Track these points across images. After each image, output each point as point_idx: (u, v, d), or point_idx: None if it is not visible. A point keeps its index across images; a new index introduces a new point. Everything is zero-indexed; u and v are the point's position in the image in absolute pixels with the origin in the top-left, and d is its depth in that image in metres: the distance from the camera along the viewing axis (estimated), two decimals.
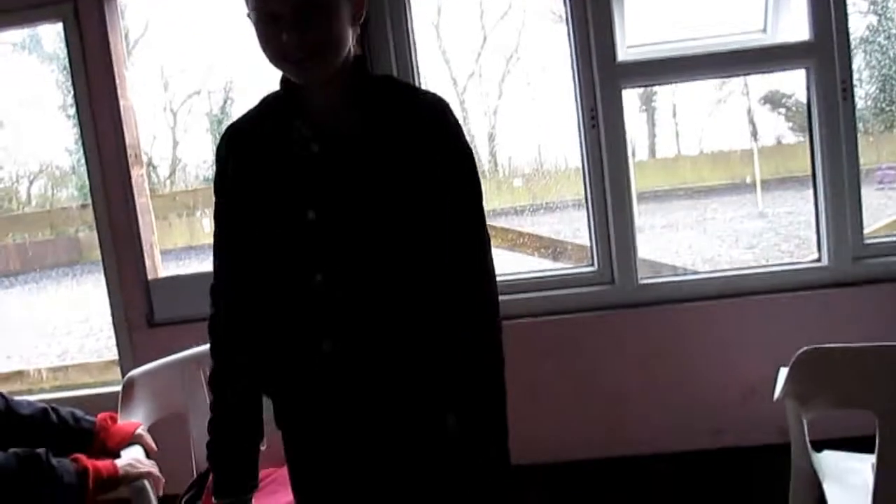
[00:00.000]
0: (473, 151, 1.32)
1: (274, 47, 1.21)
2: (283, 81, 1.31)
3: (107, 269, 2.69)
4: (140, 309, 2.64)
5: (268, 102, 1.36)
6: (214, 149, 1.37)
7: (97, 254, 2.73)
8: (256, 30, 1.22)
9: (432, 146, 1.26)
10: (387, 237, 1.25)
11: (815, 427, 1.82)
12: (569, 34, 2.49)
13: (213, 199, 1.37)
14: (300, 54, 1.20)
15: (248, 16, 1.25)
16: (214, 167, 1.38)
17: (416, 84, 2.55)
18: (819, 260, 2.53)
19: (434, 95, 1.33)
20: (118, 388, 2.70)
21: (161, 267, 2.73)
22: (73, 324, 8.69)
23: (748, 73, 2.58)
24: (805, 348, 1.81)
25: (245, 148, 1.32)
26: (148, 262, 2.65)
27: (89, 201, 2.80)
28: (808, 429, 1.82)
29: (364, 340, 1.27)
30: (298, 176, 1.27)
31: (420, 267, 1.27)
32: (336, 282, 1.26)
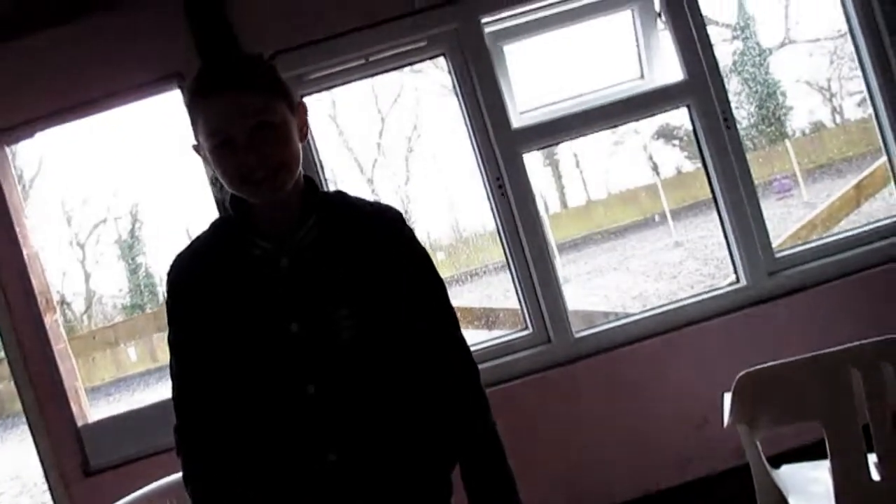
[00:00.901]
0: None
1: (232, 171, 1.23)
2: (235, 205, 1.32)
3: (31, 421, 2.55)
4: (73, 459, 2.50)
5: (217, 226, 1.37)
6: (165, 280, 1.35)
7: (18, 406, 2.60)
8: (212, 158, 1.25)
9: (395, 250, 1.33)
10: (370, 337, 1.28)
11: (769, 443, 1.85)
12: (461, 109, 2.58)
13: (168, 329, 1.34)
14: (260, 174, 1.22)
15: (197, 147, 1.29)
16: (167, 298, 1.35)
17: (322, 179, 2.57)
18: (737, 281, 2.63)
19: (387, 206, 1.41)
20: None
21: (89, 410, 2.61)
22: (4, 482, 8.19)
23: (636, 119, 2.71)
24: (742, 372, 1.86)
25: (203, 274, 1.31)
26: (75, 409, 2.53)
27: (2, 355, 2.68)
28: (763, 447, 1.85)
29: (367, 446, 1.28)
30: (271, 292, 1.27)
31: (406, 357, 1.32)
32: (329, 392, 1.26)
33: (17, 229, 2.53)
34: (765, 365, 1.80)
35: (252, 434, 1.30)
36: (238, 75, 1.23)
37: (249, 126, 1.20)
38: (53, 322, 2.58)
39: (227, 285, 1.29)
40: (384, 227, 1.34)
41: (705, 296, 2.62)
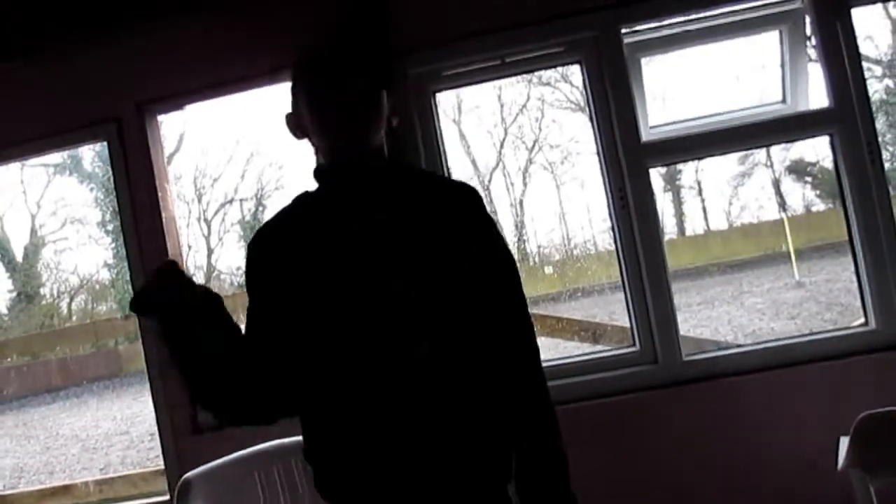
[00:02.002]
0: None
1: (338, 120, 1.33)
2: (320, 173, 1.40)
3: (151, 377, 2.72)
4: (185, 416, 2.65)
5: (301, 199, 1.43)
6: (248, 249, 1.40)
7: (136, 366, 2.76)
8: (317, 112, 1.34)
9: (474, 223, 1.39)
10: (461, 295, 1.33)
11: (885, 496, 1.75)
12: (592, 119, 2.56)
13: (248, 299, 1.39)
14: (361, 123, 1.33)
15: (291, 116, 1.41)
16: (247, 267, 1.40)
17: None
18: (866, 324, 2.49)
19: (465, 182, 1.46)
20: (164, 497, 2.70)
21: None
22: (115, 436, 8.73)
23: (772, 144, 2.62)
24: (865, 414, 1.77)
25: (288, 239, 1.37)
26: None
27: (128, 314, 2.85)
28: (878, 500, 1.75)
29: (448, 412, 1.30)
30: (369, 250, 1.32)
31: (476, 326, 1.34)
32: (437, 352, 1.29)
33: (160, 193, 2.71)
34: (891, 408, 1.71)
35: (340, 398, 1.32)
36: (348, 56, 1.36)
37: (358, 92, 1.33)
38: None
39: (320, 245, 1.34)
40: (464, 199, 1.40)
41: (830, 335, 2.49)
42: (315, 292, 1.32)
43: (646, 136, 2.54)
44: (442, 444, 1.29)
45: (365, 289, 1.30)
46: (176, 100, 2.74)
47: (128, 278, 2.78)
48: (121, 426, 9.21)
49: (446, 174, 2.62)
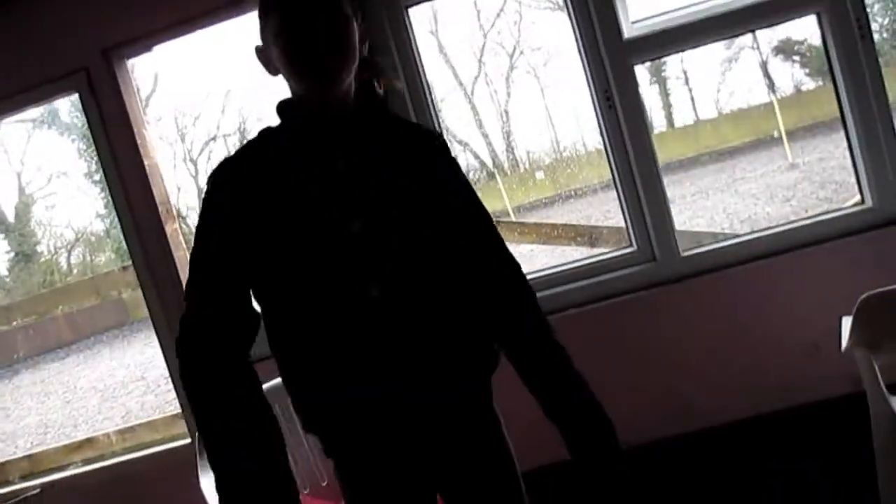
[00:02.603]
0: None
1: (306, 59, 1.27)
2: (287, 110, 1.36)
3: (157, 325, 2.74)
4: None
5: (264, 136, 1.38)
6: (211, 186, 1.31)
7: (144, 312, 2.76)
8: (284, 48, 1.28)
9: (442, 165, 1.40)
10: (422, 240, 1.32)
11: (890, 371, 1.78)
12: (571, 20, 2.48)
13: (203, 227, 1.31)
14: (333, 64, 1.27)
15: (261, 49, 1.34)
16: (208, 198, 1.32)
17: (429, 96, 2.55)
18: (862, 202, 2.48)
19: (428, 128, 1.48)
20: (186, 441, 2.76)
21: None
22: (131, 383, 8.88)
23: (758, 28, 2.53)
24: (867, 294, 1.77)
25: (254, 176, 1.31)
26: None
27: (129, 263, 2.84)
28: (883, 375, 1.77)
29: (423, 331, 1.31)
30: (329, 191, 1.29)
31: (454, 256, 1.36)
32: (392, 291, 1.28)
33: (139, 140, 2.65)
34: (892, 287, 1.71)
35: (302, 334, 1.31)
36: None
37: (330, 21, 1.26)
38: (174, 230, 2.72)
39: (282, 185, 1.29)
40: (431, 138, 1.41)
41: (826, 216, 2.48)
42: (278, 231, 1.28)
43: (628, 32, 2.47)
44: (409, 367, 1.30)
45: (325, 228, 1.28)
46: (143, 42, 2.65)
47: (120, 229, 2.76)
48: (135, 373, 9.37)
49: (427, 90, 2.56)
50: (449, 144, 1.45)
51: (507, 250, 1.42)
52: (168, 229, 2.68)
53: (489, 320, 1.38)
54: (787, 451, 2.43)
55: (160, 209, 2.68)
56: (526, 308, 1.40)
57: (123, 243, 2.80)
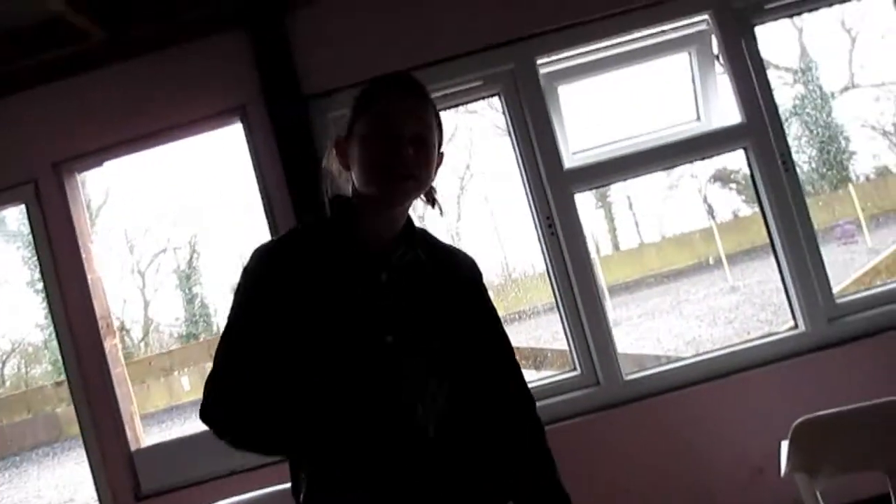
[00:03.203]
0: None
1: (381, 161, 1.29)
2: (338, 209, 1.38)
3: (87, 444, 2.62)
4: (126, 483, 2.55)
5: (310, 226, 1.41)
6: (256, 262, 1.34)
7: (77, 429, 2.66)
8: (365, 145, 1.30)
9: (476, 290, 1.46)
10: (453, 360, 1.37)
11: (828, 495, 1.79)
12: (514, 149, 2.60)
13: (236, 313, 1.33)
14: (412, 172, 1.30)
15: (341, 141, 1.37)
16: (244, 284, 1.34)
17: None
18: (796, 327, 2.56)
19: (464, 251, 1.53)
20: None
21: (143, 435, 2.67)
22: None
23: (690, 161, 2.69)
24: (802, 419, 1.81)
25: (294, 267, 1.32)
26: (129, 433, 2.59)
27: (64, 377, 2.75)
28: (822, 498, 1.78)
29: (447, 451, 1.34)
30: (370, 302, 1.31)
31: (480, 380, 1.42)
32: (419, 399, 1.32)
33: (83, 254, 2.63)
34: (825, 412, 1.75)
35: (326, 436, 1.29)
36: (422, 88, 1.35)
37: (416, 132, 1.30)
38: (113, 346, 2.66)
39: (321, 284, 1.30)
40: (469, 267, 1.47)
41: (762, 341, 2.56)
42: (311, 326, 1.30)
43: (568, 162, 2.58)
44: (431, 485, 1.31)
45: (359, 336, 1.30)
46: (94, 157, 2.68)
47: (57, 343, 2.69)
48: (64, 494, 8.83)
49: None
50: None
51: (524, 381, 1.50)
52: (107, 345, 2.62)
53: (499, 447, 1.43)
54: None
55: (100, 323, 2.63)
56: (533, 443, 1.48)
57: (60, 356, 2.72)
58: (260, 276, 1.33)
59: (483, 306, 1.45)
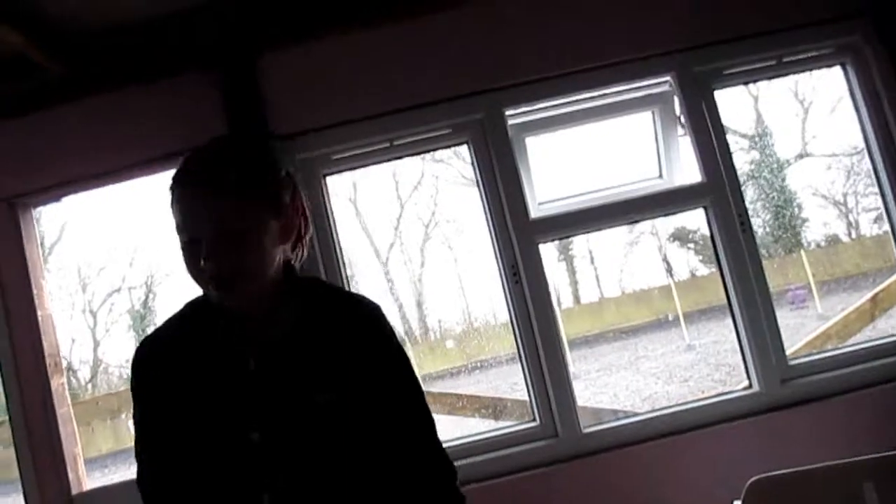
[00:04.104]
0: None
1: (194, 271, 1.22)
2: (195, 309, 1.33)
3: (26, 486, 2.50)
4: None
5: (192, 308, 1.35)
6: (132, 360, 1.32)
7: (13, 472, 2.55)
8: (181, 250, 1.23)
9: (374, 344, 1.30)
10: (337, 444, 1.25)
11: None
12: (482, 198, 2.62)
13: (133, 405, 1.32)
14: (218, 281, 1.20)
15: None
16: (132, 380, 1.32)
17: (340, 261, 2.59)
18: (750, 386, 2.59)
19: (367, 298, 1.37)
20: None
21: (86, 479, 2.57)
22: None
23: (652, 217, 2.74)
24: (755, 478, 1.81)
25: (170, 361, 1.29)
26: (72, 475, 2.49)
27: (4, 417, 2.65)
28: None
29: None
30: (236, 396, 1.24)
31: (378, 457, 1.29)
32: (285, 500, 1.23)
33: (35, 290, 2.56)
34: (778, 472, 1.76)
35: None
36: (211, 174, 1.20)
37: (212, 231, 1.18)
38: (59, 385, 2.57)
39: (191, 379, 1.26)
40: (363, 318, 1.32)
41: (718, 399, 2.58)
42: (182, 423, 1.26)
43: (534, 212, 2.61)
44: None
45: (226, 434, 1.24)
46: (53, 192, 2.63)
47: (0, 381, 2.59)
48: None
49: (340, 259, 2.60)
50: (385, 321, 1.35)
51: (440, 451, 1.35)
52: (53, 383, 2.53)
53: None
54: None
55: (48, 361, 2.54)
56: None
57: (1, 395, 2.63)
58: (139, 371, 1.31)
59: (385, 365, 1.30)
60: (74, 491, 2.49)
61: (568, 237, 2.74)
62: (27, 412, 2.51)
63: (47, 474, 2.47)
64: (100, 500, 2.50)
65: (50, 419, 2.50)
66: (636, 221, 2.78)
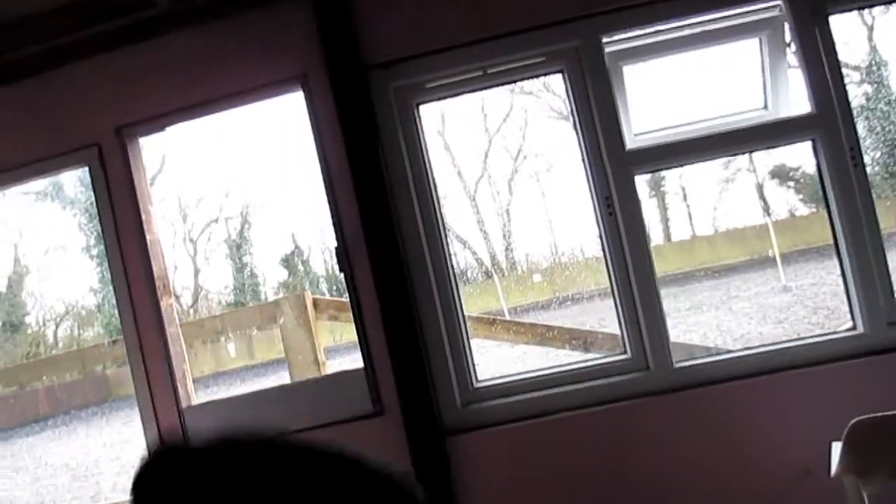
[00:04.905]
0: None
1: None
2: None
3: (140, 401, 2.68)
4: (174, 438, 2.61)
5: None
6: None
7: (126, 390, 2.74)
8: None
9: None
10: None
11: (875, 501, 1.74)
12: (576, 128, 2.56)
13: None
14: None
15: None
16: None
17: (433, 195, 2.61)
18: (854, 328, 2.49)
19: None
20: None
21: (193, 394, 2.73)
22: (105, 463, 8.63)
23: (756, 150, 2.62)
24: (857, 419, 1.76)
25: None
26: (181, 390, 2.65)
27: (116, 338, 2.82)
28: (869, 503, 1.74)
29: None
30: None
31: None
32: None
33: (143, 215, 2.69)
34: (883, 414, 1.70)
35: None
36: None
37: None
38: (168, 306, 2.72)
39: None
40: None
41: (818, 339, 2.49)
42: None
43: (630, 143, 2.54)
44: None
45: None
46: (156, 122, 2.72)
47: (113, 302, 2.75)
48: (111, 452, 9.11)
49: (433, 186, 2.61)
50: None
51: None
52: (163, 304, 2.68)
53: None
54: None
55: (157, 283, 2.68)
56: None
57: (113, 319, 2.80)
58: None
59: None
60: (184, 404, 2.65)
61: (665, 169, 2.66)
62: (140, 331, 2.66)
63: (160, 389, 2.64)
64: (207, 412, 2.65)
65: (161, 338, 2.65)
66: (739, 154, 2.67)
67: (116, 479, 7.56)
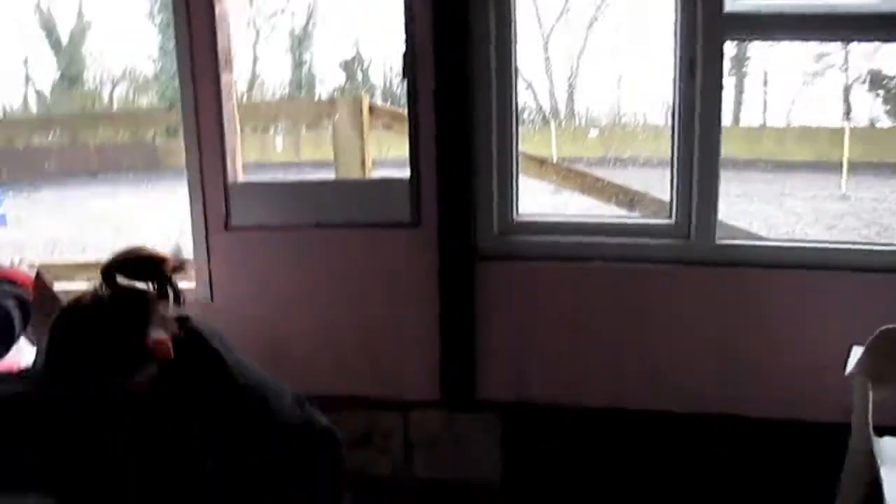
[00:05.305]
0: None
1: None
2: None
3: (190, 172, 2.74)
4: (218, 212, 2.70)
5: None
6: None
7: (174, 161, 2.78)
8: None
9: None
10: None
11: (884, 412, 1.77)
12: None
13: None
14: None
15: None
16: None
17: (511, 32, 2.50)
18: None
19: None
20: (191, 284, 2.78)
21: (241, 173, 2.78)
22: (146, 224, 9.01)
23: (866, 40, 2.43)
24: (885, 327, 1.76)
25: None
26: (230, 166, 2.70)
27: (172, 104, 2.83)
28: (875, 413, 1.77)
29: None
30: None
31: None
32: None
33: None
34: None
35: None
36: None
37: None
38: (228, 81, 2.71)
39: None
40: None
41: (870, 247, 2.44)
42: None
43: (730, 5, 2.38)
44: None
45: None
46: None
47: (171, 74, 2.74)
48: (153, 215, 9.48)
49: (513, 29, 2.49)
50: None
51: None
52: (224, 78, 2.67)
53: None
54: (760, 459, 2.46)
55: (220, 57, 2.66)
56: None
57: (169, 89, 2.79)
58: None
59: None
60: (230, 180, 2.71)
61: (760, 40, 2.50)
62: (198, 102, 2.67)
63: (210, 162, 2.69)
64: (252, 191, 2.71)
65: (217, 111, 2.66)
66: (846, 40, 2.48)
67: (156, 239, 7.92)
